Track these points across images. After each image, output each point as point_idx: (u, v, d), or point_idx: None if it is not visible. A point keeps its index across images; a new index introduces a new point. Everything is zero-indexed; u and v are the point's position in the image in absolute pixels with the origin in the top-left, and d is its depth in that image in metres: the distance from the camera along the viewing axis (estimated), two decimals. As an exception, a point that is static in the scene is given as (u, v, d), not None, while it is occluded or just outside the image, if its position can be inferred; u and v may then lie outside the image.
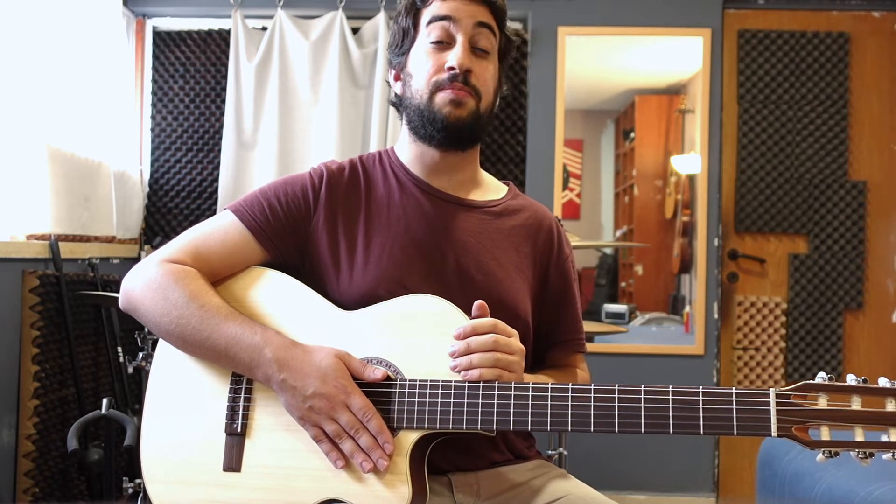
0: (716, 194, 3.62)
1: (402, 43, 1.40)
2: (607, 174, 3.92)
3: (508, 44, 1.43)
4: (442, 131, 1.35)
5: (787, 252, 3.67)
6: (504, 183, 1.53)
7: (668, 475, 3.57)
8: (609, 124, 3.94)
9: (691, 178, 3.70)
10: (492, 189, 1.49)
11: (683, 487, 3.56)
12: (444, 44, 1.35)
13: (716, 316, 3.62)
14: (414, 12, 1.38)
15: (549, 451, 2.68)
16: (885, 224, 3.67)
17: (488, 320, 1.23)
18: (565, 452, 2.70)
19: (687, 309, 3.74)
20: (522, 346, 1.25)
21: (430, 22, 1.36)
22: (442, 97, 1.33)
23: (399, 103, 1.43)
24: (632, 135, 3.89)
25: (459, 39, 1.34)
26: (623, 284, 4.06)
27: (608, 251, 4.00)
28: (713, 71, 3.62)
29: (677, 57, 3.75)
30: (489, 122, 1.40)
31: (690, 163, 3.70)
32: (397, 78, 1.43)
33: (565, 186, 3.70)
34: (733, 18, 3.70)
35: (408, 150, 1.43)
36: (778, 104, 3.66)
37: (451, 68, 1.33)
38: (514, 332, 1.25)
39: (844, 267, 3.64)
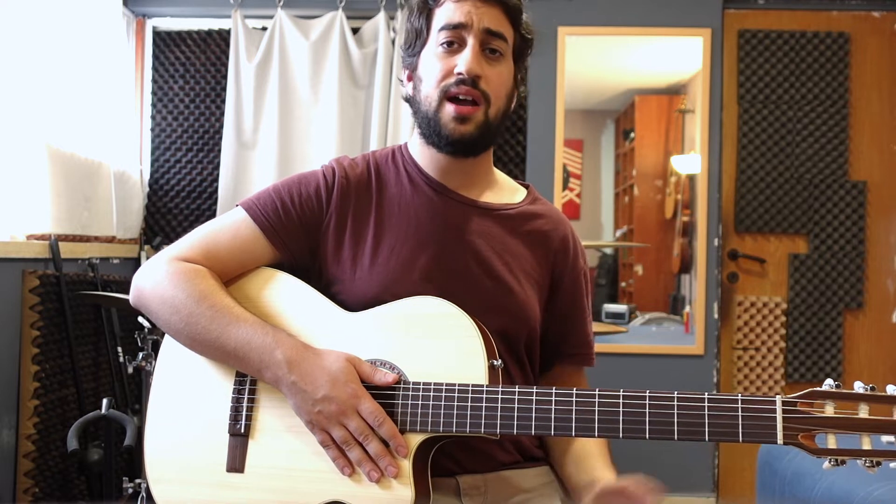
0: (716, 194, 3.61)
1: (415, 44, 1.36)
2: (607, 174, 3.93)
3: (524, 43, 1.38)
4: (448, 146, 1.32)
5: (787, 252, 3.67)
6: (523, 185, 1.49)
7: (668, 475, 3.53)
8: (609, 124, 3.95)
9: (691, 178, 3.70)
10: (507, 191, 1.46)
11: (683, 487, 3.56)
12: (454, 46, 1.31)
13: (716, 316, 3.61)
14: (427, 12, 1.34)
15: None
16: (885, 224, 3.67)
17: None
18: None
19: (687, 309, 3.74)
20: None
21: (441, 29, 1.32)
22: (448, 112, 1.30)
23: (412, 103, 1.40)
24: (632, 135, 3.90)
25: (470, 42, 1.30)
26: (623, 284, 4.06)
27: (608, 251, 4.01)
28: (713, 71, 3.61)
29: (677, 57, 3.75)
30: (502, 126, 1.37)
31: (690, 163, 3.70)
32: (409, 78, 1.39)
33: (565, 186, 3.70)
34: (733, 18, 3.70)
35: (420, 151, 1.40)
36: (778, 104, 3.66)
37: (460, 73, 1.29)
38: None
39: (844, 267, 3.64)
